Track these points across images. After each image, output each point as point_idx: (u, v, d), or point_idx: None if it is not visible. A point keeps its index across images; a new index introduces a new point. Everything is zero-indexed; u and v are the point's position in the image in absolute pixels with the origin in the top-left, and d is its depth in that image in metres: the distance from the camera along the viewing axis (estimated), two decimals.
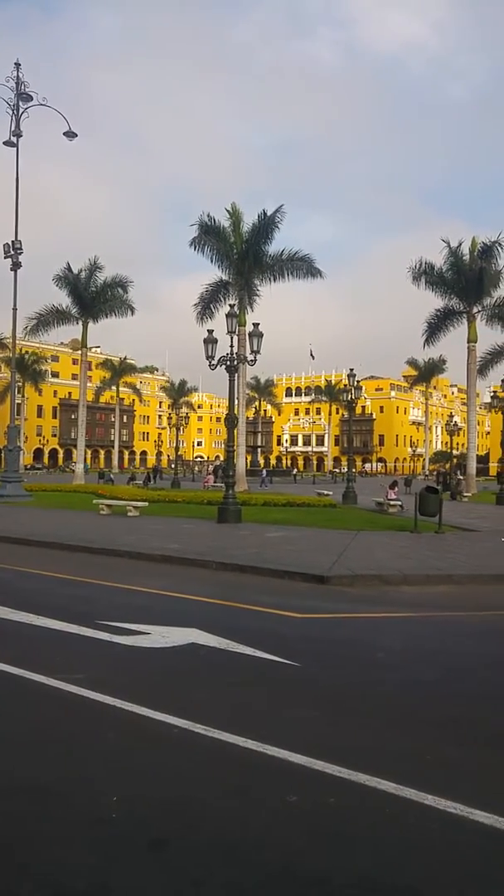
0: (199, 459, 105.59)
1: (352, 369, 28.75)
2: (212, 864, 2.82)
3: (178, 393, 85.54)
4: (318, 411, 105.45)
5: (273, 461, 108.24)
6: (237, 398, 21.32)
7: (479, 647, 6.70)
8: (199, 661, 5.79)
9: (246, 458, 35.01)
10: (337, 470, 77.44)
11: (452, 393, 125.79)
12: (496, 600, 8.91)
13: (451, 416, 71.27)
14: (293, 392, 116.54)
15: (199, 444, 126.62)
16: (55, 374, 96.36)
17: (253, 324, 18.80)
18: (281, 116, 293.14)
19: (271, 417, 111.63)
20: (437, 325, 38.85)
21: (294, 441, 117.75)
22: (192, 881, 2.71)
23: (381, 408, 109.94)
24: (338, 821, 3.22)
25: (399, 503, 21.93)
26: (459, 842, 3.05)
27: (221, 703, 4.79)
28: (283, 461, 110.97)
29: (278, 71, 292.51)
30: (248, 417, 41.58)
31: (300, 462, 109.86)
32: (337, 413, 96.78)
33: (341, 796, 3.41)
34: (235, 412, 19.19)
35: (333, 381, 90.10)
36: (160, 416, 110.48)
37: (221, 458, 53.05)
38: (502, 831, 3.10)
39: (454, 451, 67.62)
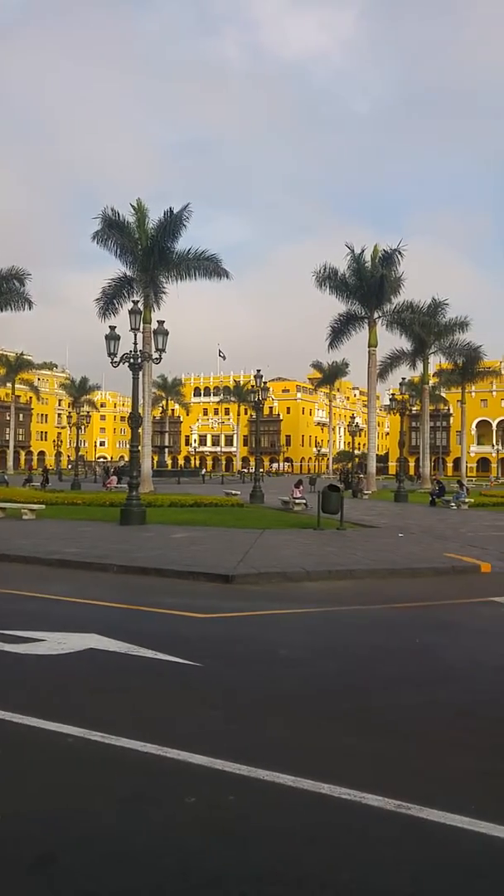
0: (102, 460, 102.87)
1: (259, 370, 29.04)
2: (104, 875, 2.73)
3: (79, 391, 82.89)
4: (227, 411, 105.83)
5: (181, 461, 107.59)
6: (141, 396, 21.00)
7: (376, 639, 6.92)
8: (98, 666, 5.62)
9: (152, 459, 34.55)
10: (245, 470, 78.04)
11: (355, 395, 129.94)
12: (393, 593, 9.25)
13: (353, 417, 73.60)
14: (202, 392, 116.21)
15: (103, 444, 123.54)
16: None
17: (158, 321, 18.57)
18: (189, 114, 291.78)
19: (179, 417, 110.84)
20: (340, 330, 39.98)
21: (203, 441, 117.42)
22: (82, 894, 2.61)
23: (288, 409, 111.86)
24: (236, 818, 3.21)
25: (304, 501, 22.38)
26: (352, 827, 3.12)
27: (121, 708, 4.66)
28: (192, 461, 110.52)
29: (185, 67, 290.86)
30: (154, 417, 41.12)
31: (209, 462, 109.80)
32: (245, 413, 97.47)
33: (241, 794, 3.41)
34: (140, 411, 18.88)
35: (242, 382, 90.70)
36: (60, 414, 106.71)
37: (126, 459, 52.12)
38: (391, 812, 3.22)
39: (356, 451, 69.93)
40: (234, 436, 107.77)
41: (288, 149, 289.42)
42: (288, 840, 3.00)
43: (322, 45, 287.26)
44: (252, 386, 33.42)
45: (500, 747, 4.09)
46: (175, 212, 31.35)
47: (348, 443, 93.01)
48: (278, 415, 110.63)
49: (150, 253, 31.31)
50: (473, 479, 64.75)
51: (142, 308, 20.74)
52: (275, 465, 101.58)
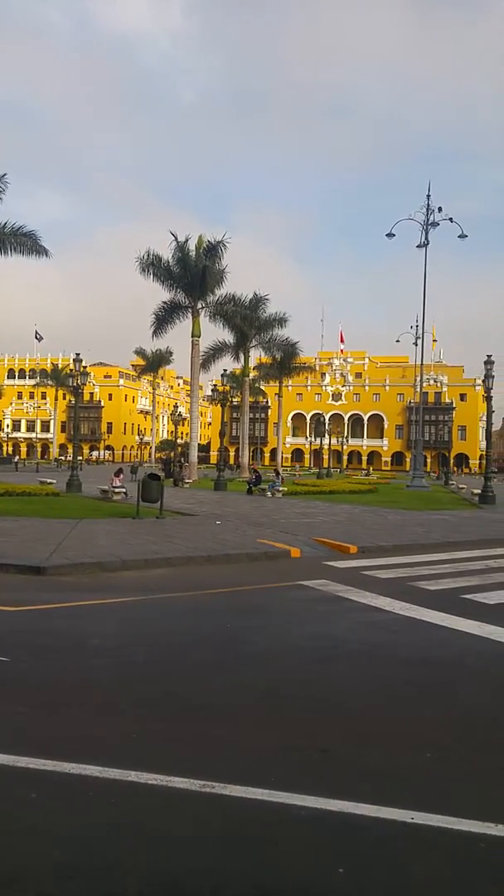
0: None
1: (78, 354, 27.99)
2: None
3: None
4: (44, 396, 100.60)
5: None
6: None
7: (187, 625, 7.07)
8: None
9: None
10: (63, 458, 74.94)
11: (178, 384, 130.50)
12: (207, 580, 9.49)
13: (177, 406, 74.18)
14: (16, 374, 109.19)
15: None
16: None
17: None
18: (4, 75, 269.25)
19: None
20: (164, 318, 39.80)
21: (17, 426, 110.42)
22: None
23: (110, 395, 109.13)
24: (38, 815, 3.12)
25: (123, 490, 22.05)
26: (157, 810, 3.18)
27: None
28: (4, 448, 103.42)
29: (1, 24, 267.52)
30: None
31: (23, 449, 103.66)
32: (64, 398, 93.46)
33: (45, 790, 3.32)
34: None
35: (60, 365, 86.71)
36: None
37: None
38: (196, 792, 3.33)
39: (179, 440, 70.38)
40: (52, 421, 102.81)
41: (113, 125, 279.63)
42: (92, 831, 2.99)
43: (148, 28, 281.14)
44: (71, 370, 32.13)
45: (300, 723, 4.40)
46: None
47: (171, 431, 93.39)
48: (99, 401, 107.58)
49: None
50: (288, 468, 68.49)
51: None
52: (95, 453, 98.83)
